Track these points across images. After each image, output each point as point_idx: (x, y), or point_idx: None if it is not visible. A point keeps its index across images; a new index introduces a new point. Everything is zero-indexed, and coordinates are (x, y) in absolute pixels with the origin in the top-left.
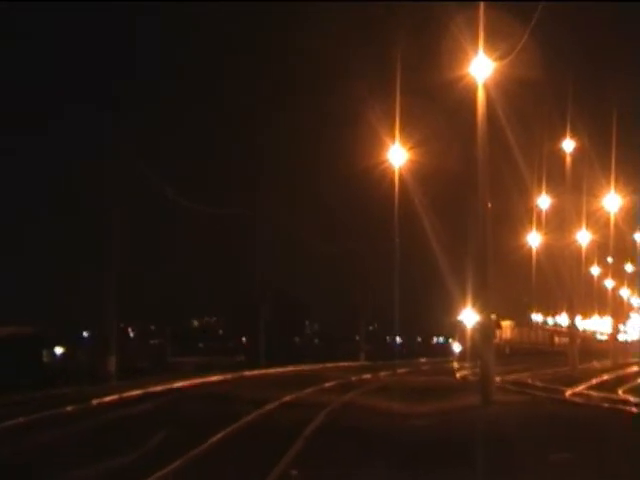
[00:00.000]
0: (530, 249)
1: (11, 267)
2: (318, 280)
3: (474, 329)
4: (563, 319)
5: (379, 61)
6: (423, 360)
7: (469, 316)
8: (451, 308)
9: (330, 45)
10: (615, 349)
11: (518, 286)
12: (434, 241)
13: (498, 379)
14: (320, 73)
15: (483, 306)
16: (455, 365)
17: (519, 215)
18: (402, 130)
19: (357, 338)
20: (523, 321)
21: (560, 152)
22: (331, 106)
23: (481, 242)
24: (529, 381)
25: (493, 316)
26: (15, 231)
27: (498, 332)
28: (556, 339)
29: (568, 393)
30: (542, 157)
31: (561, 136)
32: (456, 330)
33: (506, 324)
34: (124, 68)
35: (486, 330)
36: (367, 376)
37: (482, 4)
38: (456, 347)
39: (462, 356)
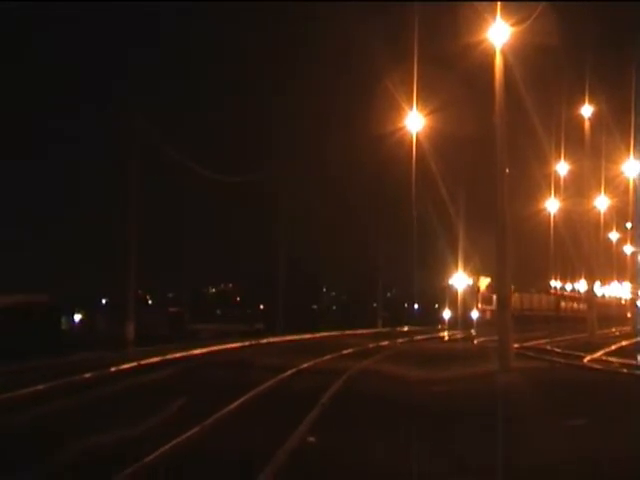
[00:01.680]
0: (548, 215)
1: (29, 235)
2: (334, 247)
3: (465, 293)
4: (582, 285)
5: (396, 28)
6: (405, 329)
7: (459, 280)
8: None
9: (346, 13)
10: (634, 315)
11: (536, 253)
12: (451, 209)
13: (516, 345)
14: (337, 41)
15: (500, 273)
16: (445, 334)
17: (537, 181)
18: (420, 97)
19: (375, 305)
20: (542, 287)
21: (579, 118)
22: (348, 74)
23: (499, 209)
24: (547, 347)
25: (488, 280)
26: (32, 201)
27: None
28: (562, 304)
29: (587, 359)
30: (560, 123)
31: (580, 102)
32: (445, 295)
33: None
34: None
35: (503, 297)
36: (384, 343)
37: None
38: (446, 314)
39: (452, 323)
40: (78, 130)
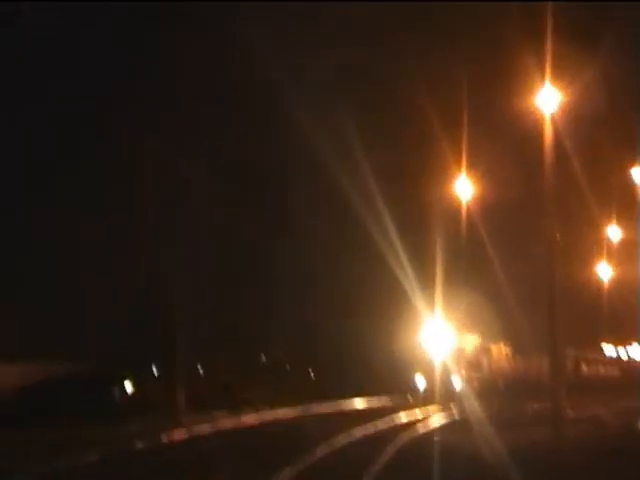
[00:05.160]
0: (599, 281)
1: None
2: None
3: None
4: (635, 350)
5: (445, 95)
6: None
7: (437, 337)
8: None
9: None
10: None
11: (587, 318)
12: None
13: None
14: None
15: (552, 340)
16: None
17: (588, 247)
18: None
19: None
20: (594, 351)
21: (630, 182)
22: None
23: (550, 273)
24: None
25: (478, 339)
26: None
27: (485, 360)
28: (584, 367)
29: None
30: (611, 188)
31: (630, 166)
32: (418, 358)
33: (498, 349)
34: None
35: (556, 363)
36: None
37: (549, 33)
38: (420, 381)
39: (428, 395)
40: None
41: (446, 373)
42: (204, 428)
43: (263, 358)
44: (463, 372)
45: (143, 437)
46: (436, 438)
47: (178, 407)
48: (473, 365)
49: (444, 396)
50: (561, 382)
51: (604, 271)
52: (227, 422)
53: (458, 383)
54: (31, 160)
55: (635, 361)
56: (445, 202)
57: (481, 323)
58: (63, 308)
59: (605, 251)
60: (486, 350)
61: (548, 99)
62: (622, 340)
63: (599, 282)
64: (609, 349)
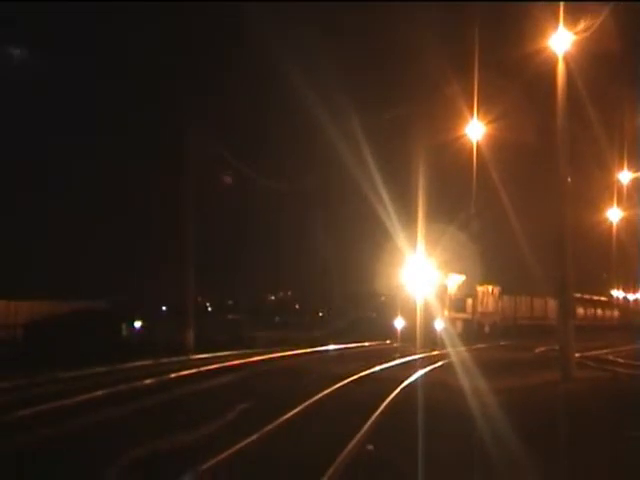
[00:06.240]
0: (611, 225)
1: (90, 243)
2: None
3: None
4: None
5: (457, 35)
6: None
7: (420, 276)
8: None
9: (408, 20)
10: None
11: (598, 262)
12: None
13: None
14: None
15: (562, 283)
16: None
17: (600, 190)
18: (480, 104)
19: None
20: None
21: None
22: (408, 80)
23: (561, 217)
24: (609, 357)
25: (461, 279)
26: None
27: (470, 302)
28: (580, 310)
29: None
30: (623, 131)
31: None
32: (397, 298)
33: (485, 289)
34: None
35: (566, 306)
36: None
37: None
38: (398, 323)
39: (407, 336)
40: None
41: (428, 315)
42: (212, 366)
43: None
44: (446, 313)
45: (151, 374)
46: None
47: (187, 347)
48: (456, 305)
49: (426, 340)
50: (570, 325)
51: (614, 215)
52: (235, 360)
53: (440, 324)
54: None
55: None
56: (456, 143)
57: (469, 263)
58: (74, 249)
59: (615, 196)
60: (471, 290)
61: (561, 40)
62: (632, 286)
63: (610, 226)
64: (619, 293)
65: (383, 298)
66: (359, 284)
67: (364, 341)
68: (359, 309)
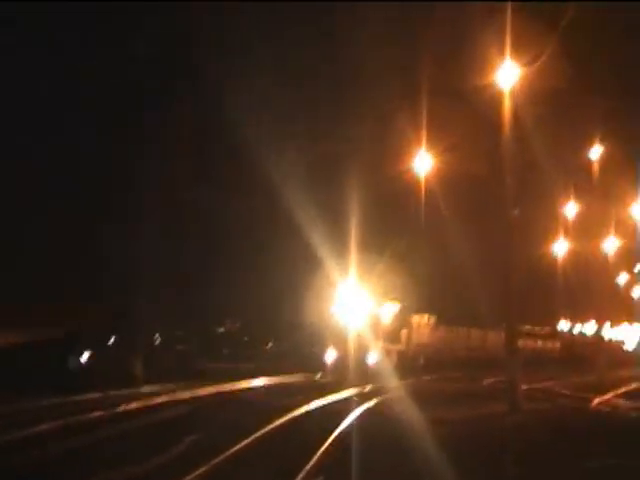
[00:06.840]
0: (555, 258)
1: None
2: None
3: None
4: (591, 327)
5: (405, 66)
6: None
7: (352, 305)
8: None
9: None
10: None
11: (544, 294)
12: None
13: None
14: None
15: (509, 315)
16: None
17: (546, 222)
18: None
19: None
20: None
21: (588, 160)
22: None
23: (507, 249)
24: (556, 389)
25: (399, 305)
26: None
27: (404, 333)
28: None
29: (595, 401)
30: (570, 165)
31: (589, 144)
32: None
33: (420, 320)
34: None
35: (511, 339)
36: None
37: (509, 8)
38: (329, 354)
39: (337, 368)
40: None
41: (361, 347)
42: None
43: (221, 329)
44: (380, 344)
45: (99, 407)
46: None
47: (135, 378)
48: (391, 336)
49: (358, 373)
50: (517, 357)
51: (560, 248)
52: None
53: (373, 356)
54: None
55: (585, 336)
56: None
57: (404, 292)
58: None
59: (562, 228)
60: (406, 320)
61: (508, 74)
62: (579, 316)
63: (555, 259)
64: (565, 325)
65: (312, 328)
66: (295, 314)
67: (291, 373)
68: (294, 340)
